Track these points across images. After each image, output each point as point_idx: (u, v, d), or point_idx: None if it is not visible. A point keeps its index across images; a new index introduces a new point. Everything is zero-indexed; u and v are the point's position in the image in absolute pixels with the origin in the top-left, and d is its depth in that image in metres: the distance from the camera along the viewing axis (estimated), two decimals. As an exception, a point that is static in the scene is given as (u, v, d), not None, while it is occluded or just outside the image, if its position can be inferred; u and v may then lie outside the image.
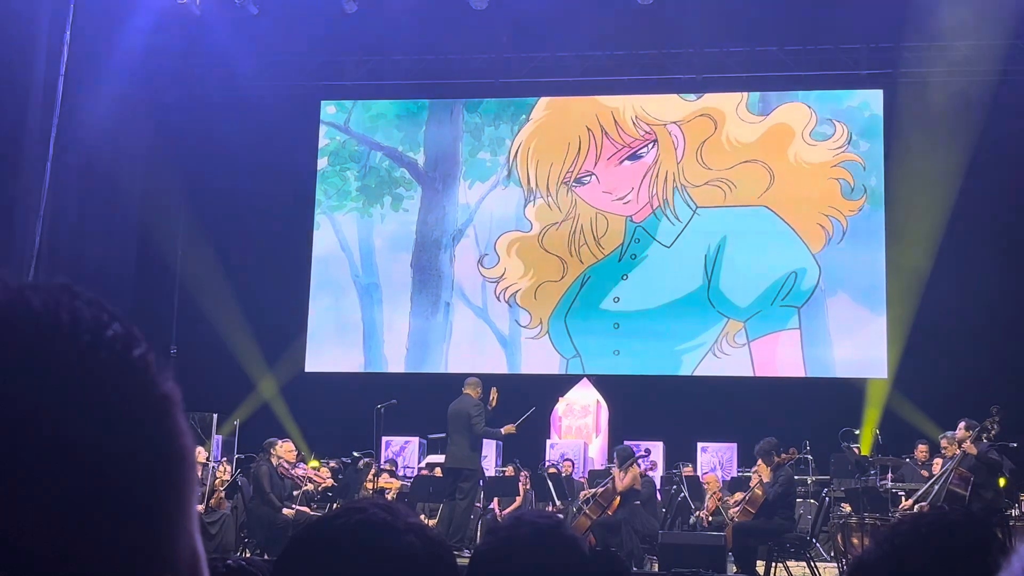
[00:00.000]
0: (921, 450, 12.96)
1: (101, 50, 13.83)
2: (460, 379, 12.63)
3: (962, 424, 10.44)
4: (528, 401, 15.26)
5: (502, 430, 11.96)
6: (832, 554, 11.50)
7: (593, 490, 11.90)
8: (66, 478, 0.65)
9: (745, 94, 16.19)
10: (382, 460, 14.06)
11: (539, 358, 16.23)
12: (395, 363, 16.64)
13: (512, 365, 16.21)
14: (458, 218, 16.87)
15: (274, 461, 11.73)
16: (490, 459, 14.54)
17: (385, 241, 17.02)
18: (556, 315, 16.31)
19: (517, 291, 16.52)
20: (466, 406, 11.75)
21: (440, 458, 13.09)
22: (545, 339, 16.32)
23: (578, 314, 16.25)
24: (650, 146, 16.43)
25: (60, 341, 0.67)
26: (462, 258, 16.75)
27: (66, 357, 0.67)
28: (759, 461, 11.00)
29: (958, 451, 10.33)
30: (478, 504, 13.33)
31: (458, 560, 1.45)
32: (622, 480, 11.56)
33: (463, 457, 11.70)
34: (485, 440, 12.43)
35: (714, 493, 12.22)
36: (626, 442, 12.93)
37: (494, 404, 11.99)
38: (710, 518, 11.97)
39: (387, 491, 12.96)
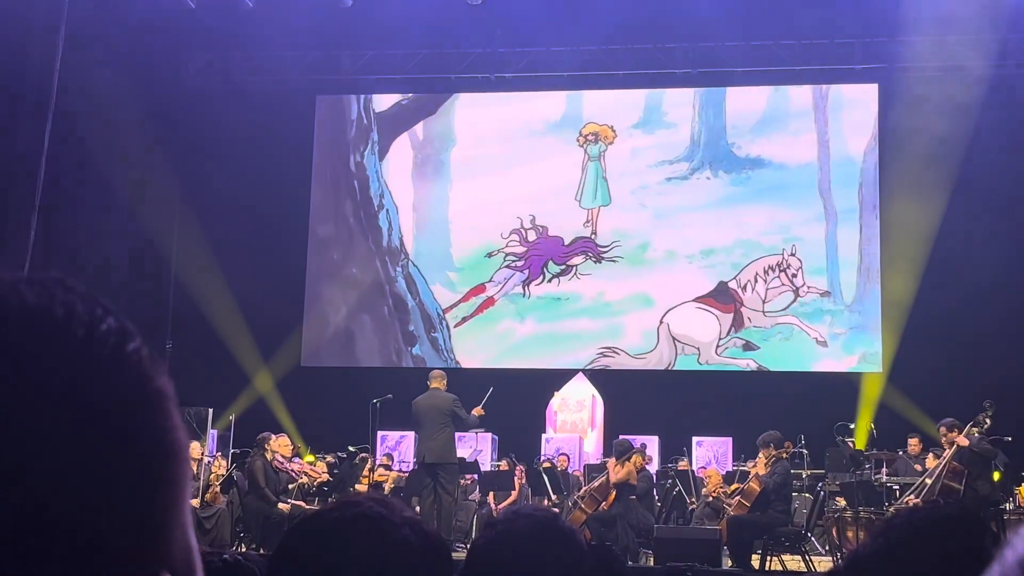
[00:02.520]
0: (913, 444, 12.95)
1: (96, 44, 13.79)
2: (457, 373, 12.57)
3: (942, 428, 10.49)
4: (527, 398, 15.26)
5: (474, 413, 11.74)
6: (827, 548, 11.51)
7: (589, 485, 11.89)
8: (59, 472, 0.65)
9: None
10: (378, 455, 14.05)
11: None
12: (391, 358, 16.62)
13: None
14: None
15: (269, 456, 11.71)
16: (486, 453, 14.53)
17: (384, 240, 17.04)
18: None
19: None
20: (444, 401, 11.48)
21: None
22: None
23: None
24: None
25: (54, 335, 0.67)
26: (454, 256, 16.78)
27: (60, 351, 0.67)
28: (760, 453, 11.00)
29: (951, 447, 10.34)
30: (473, 498, 13.33)
31: (453, 554, 1.45)
32: (616, 473, 11.55)
33: (446, 452, 11.45)
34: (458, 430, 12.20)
35: (717, 487, 12.17)
36: (621, 436, 12.93)
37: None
38: (711, 498, 11.95)
39: (383, 483, 12.95)
